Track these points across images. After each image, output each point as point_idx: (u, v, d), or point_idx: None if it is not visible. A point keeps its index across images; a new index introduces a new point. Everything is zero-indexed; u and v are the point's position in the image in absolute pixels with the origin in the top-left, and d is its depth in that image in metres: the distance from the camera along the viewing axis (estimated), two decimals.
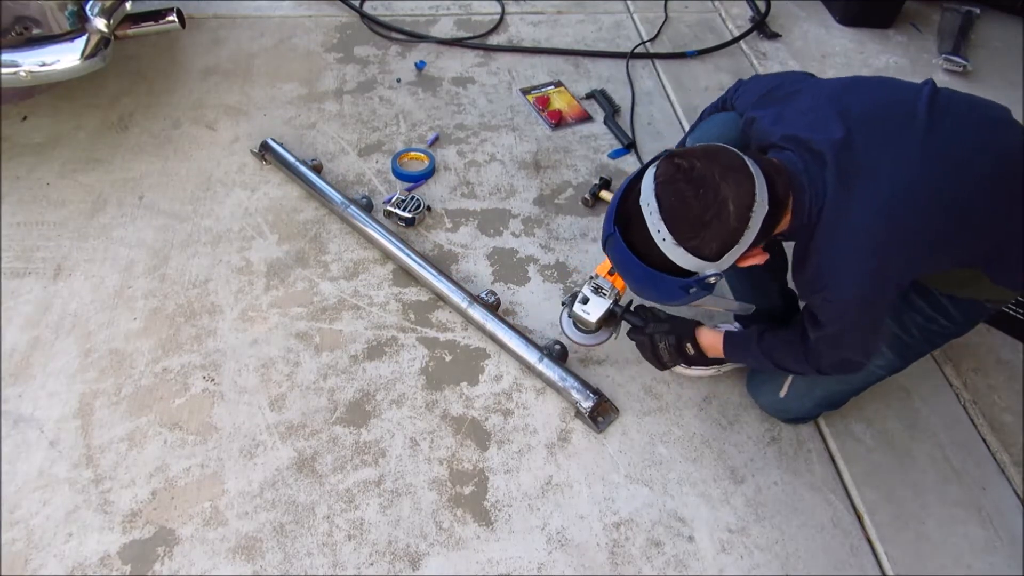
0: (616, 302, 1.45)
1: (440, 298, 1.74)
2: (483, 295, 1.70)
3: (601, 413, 1.54)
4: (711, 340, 1.47)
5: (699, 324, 1.51)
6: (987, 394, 1.66)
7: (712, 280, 1.12)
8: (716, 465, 1.50)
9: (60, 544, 1.32)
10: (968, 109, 1.16)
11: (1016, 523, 1.45)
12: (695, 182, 1.03)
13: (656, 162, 1.09)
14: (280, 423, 1.51)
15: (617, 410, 1.57)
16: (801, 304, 1.38)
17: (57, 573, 1.28)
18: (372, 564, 1.32)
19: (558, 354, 1.61)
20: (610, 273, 1.45)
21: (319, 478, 1.43)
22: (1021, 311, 1.74)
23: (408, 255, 1.77)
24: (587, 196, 2.03)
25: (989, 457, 1.55)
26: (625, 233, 1.11)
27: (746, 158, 1.06)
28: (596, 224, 1.99)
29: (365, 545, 1.35)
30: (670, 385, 1.63)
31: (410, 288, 1.79)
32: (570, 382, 1.54)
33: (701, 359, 1.50)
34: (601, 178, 2.04)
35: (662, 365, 1.54)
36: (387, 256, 1.84)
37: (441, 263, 1.83)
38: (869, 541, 1.41)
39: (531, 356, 1.58)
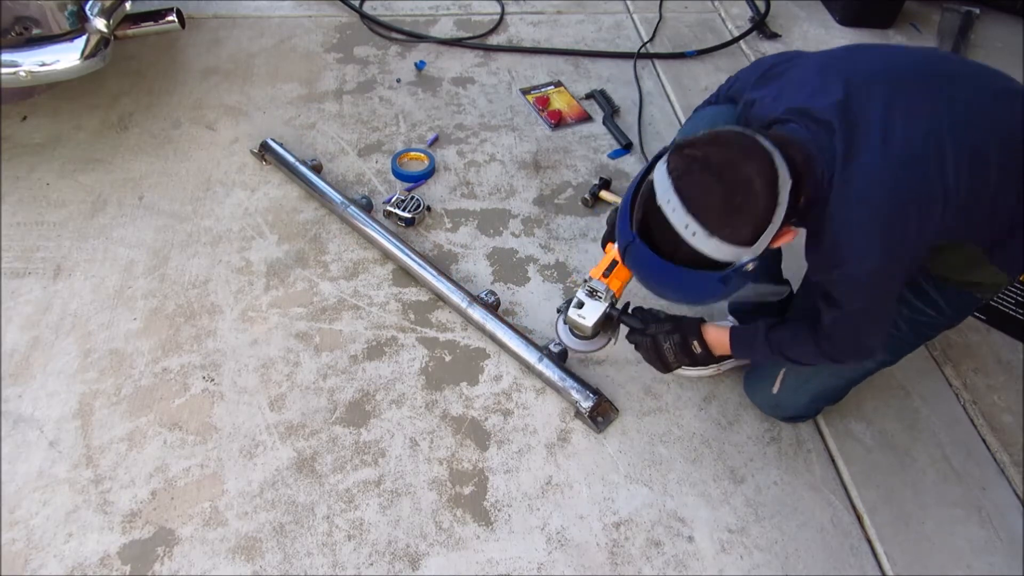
0: (612, 305, 1.39)
1: (440, 298, 1.74)
2: (483, 295, 1.70)
3: (601, 413, 1.53)
4: (717, 337, 1.41)
5: (703, 321, 1.45)
6: (987, 394, 1.66)
7: (749, 267, 1.04)
8: (716, 465, 1.50)
9: (60, 544, 1.32)
10: (976, 72, 1.14)
11: (1016, 523, 1.44)
12: (713, 168, 0.98)
13: (663, 158, 1.04)
14: (280, 423, 1.51)
15: (617, 410, 1.57)
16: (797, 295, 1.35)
17: (57, 573, 1.28)
18: (372, 564, 1.32)
19: (558, 354, 1.61)
20: (604, 275, 1.38)
21: (319, 478, 1.43)
22: (1021, 311, 1.74)
23: (408, 255, 1.77)
24: (587, 196, 2.03)
25: (989, 457, 1.55)
26: (646, 238, 1.05)
27: (755, 135, 1.02)
28: (596, 224, 1.99)
29: (365, 545, 1.35)
30: (670, 385, 1.63)
31: (410, 288, 1.79)
32: (570, 382, 1.54)
33: (708, 357, 1.43)
34: (601, 178, 2.04)
35: (666, 367, 1.46)
36: (387, 256, 1.84)
37: (441, 263, 1.83)
38: (869, 541, 1.41)
39: (531, 356, 1.58)
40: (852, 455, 1.53)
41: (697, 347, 1.41)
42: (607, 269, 1.38)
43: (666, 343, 1.42)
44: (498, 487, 1.44)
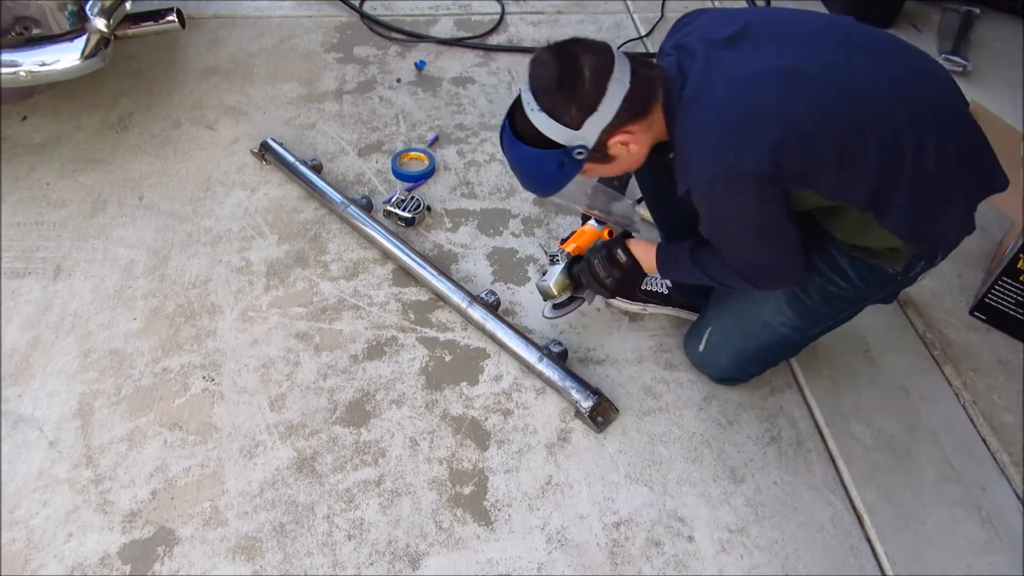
0: (569, 264, 1.52)
1: (440, 298, 1.74)
2: (483, 295, 1.70)
3: (601, 413, 1.53)
4: (644, 249, 1.47)
5: (630, 236, 1.53)
6: (987, 394, 1.66)
7: (579, 155, 1.20)
8: (716, 465, 1.50)
9: (60, 544, 1.32)
10: (886, 40, 1.22)
11: (1016, 523, 1.44)
12: (556, 52, 1.17)
13: None
14: (280, 423, 1.51)
15: (617, 410, 1.57)
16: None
17: (57, 573, 1.28)
18: (372, 564, 1.32)
19: (558, 354, 1.61)
20: (562, 242, 1.56)
21: (319, 478, 1.43)
22: (1021, 311, 1.74)
23: (408, 255, 1.77)
24: None
25: (989, 457, 1.55)
26: (511, 122, 1.23)
27: (614, 48, 1.18)
28: None
29: (365, 545, 1.35)
30: (670, 385, 1.63)
31: (410, 288, 1.79)
32: (570, 382, 1.54)
33: (635, 268, 1.48)
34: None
35: (602, 284, 1.50)
36: (387, 256, 1.84)
37: (441, 263, 1.83)
38: (869, 541, 1.41)
39: (531, 356, 1.58)
40: (852, 455, 1.53)
41: (621, 255, 1.48)
42: (565, 237, 1.57)
43: (595, 259, 1.50)
44: (498, 487, 1.44)
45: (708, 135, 1.15)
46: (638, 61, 1.20)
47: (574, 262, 1.55)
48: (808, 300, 1.38)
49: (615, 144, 1.21)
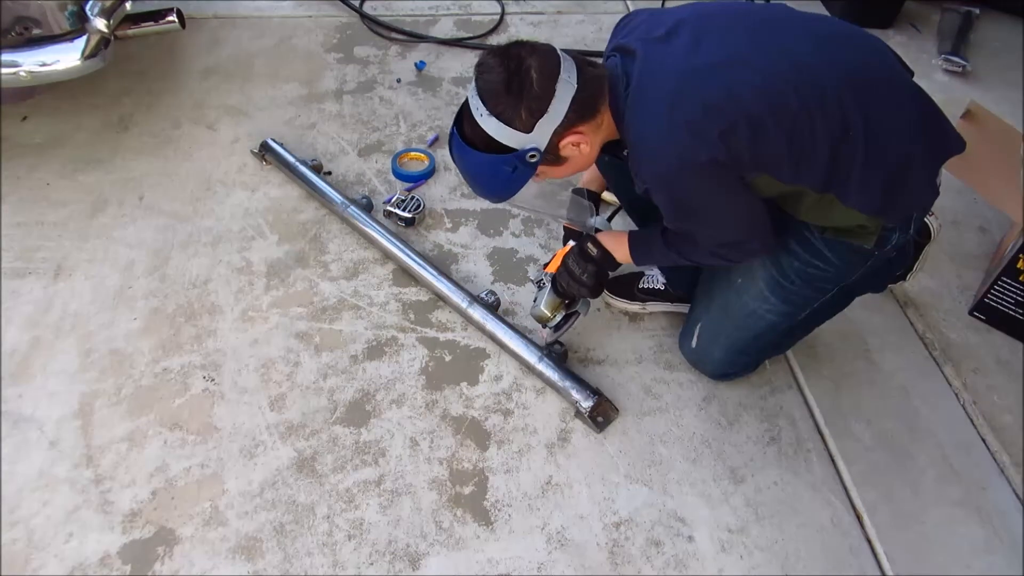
0: (554, 283, 1.53)
1: (440, 298, 1.74)
2: (483, 295, 1.70)
3: (601, 413, 1.53)
4: (614, 239, 1.46)
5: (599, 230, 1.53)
6: (987, 394, 1.66)
7: (532, 157, 1.20)
8: (716, 465, 1.50)
9: (60, 544, 1.32)
10: (823, 22, 1.25)
11: (1016, 523, 1.45)
12: (503, 57, 1.16)
13: None
14: (280, 423, 1.52)
15: (617, 410, 1.57)
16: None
17: (57, 573, 1.28)
18: (372, 564, 1.32)
19: (558, 354, 1.61)
20: (544, 267, 1.58)
21: (319, 478, 1.43)
22: (1021, 311, 1.74)
23: (408, 255, 1.77)
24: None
25: (989, 457, 1.55)
26: (459, 129, 1.23)
27: (559, 50, 1.19)
28: None
29: (365, 545, 1.35)
30: (670, 385, 1.63)
31: (410, 288, 1.79)
32: (570, 382, 1.54)
33: (607, 260, 1.46)
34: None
35: (581, 283, 1.47)
36: (387, 256, 1.84)
37: (441, 263, 1.83)
38: (869, 541, 1.41)
39: (531, 356, 1.58)
40: (852, 455, 1.53)
41: (592, 248, 1.46)
42: (547, 262, 1.59)
43: (569, 259, 1.49)
44: (498, 487, 1.44)
45: (657, 132, 1.15)
46: (583, 61, 1.20)
47: (553, 276, 1.55)
48: (790, 285, 1.37)
49: (567, 146, 1.21)
